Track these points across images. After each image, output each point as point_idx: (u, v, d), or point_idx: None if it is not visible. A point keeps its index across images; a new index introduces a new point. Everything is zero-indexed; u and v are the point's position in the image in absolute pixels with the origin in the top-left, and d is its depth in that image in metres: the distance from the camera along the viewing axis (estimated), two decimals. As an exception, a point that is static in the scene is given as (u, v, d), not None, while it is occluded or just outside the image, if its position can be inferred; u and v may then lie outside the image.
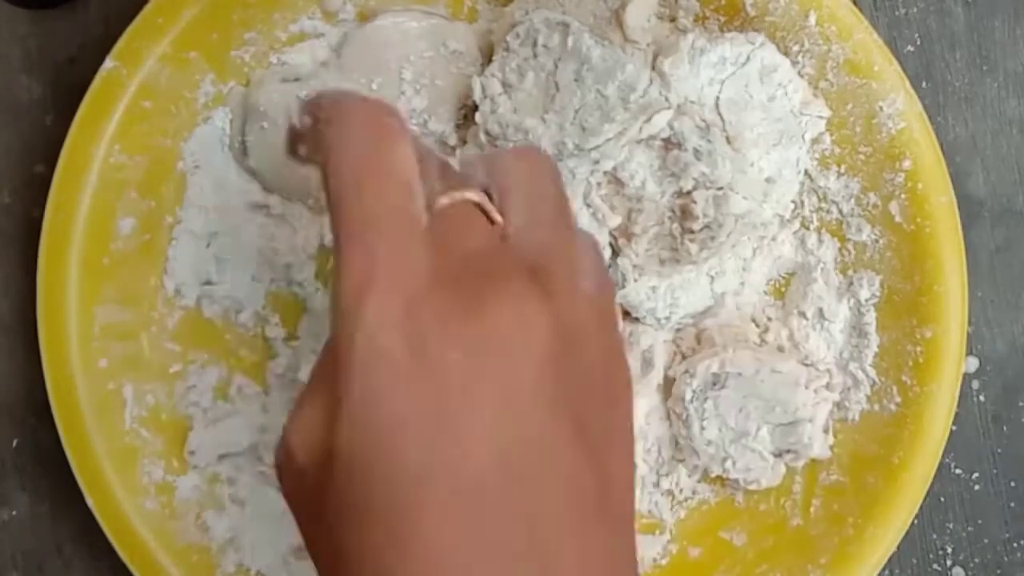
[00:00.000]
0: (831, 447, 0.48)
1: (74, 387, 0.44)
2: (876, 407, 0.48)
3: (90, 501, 0.44)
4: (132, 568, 0.44)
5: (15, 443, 0.48)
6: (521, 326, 0.29)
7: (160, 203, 0.46)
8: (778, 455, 0.48)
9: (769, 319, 0.49)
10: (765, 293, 0.49)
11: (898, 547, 0.47)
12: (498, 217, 0.31)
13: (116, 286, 0.45)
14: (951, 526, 0.51)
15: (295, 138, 0.33)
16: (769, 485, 0.48)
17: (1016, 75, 0.51)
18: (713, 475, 0.48)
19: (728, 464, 0.47)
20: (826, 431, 0.48)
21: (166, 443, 0.46)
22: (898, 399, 0.47)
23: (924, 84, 0.51)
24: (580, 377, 0.30)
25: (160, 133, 0.46)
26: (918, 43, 0.51)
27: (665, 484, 0.49)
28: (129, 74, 0.45)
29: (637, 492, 0.49)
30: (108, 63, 0.45)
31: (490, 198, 0.32)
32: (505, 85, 0.45)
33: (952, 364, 0.47)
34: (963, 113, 0.51)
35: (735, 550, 0.48)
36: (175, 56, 0.45)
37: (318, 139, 0.31)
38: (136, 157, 0.45)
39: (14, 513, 0.48)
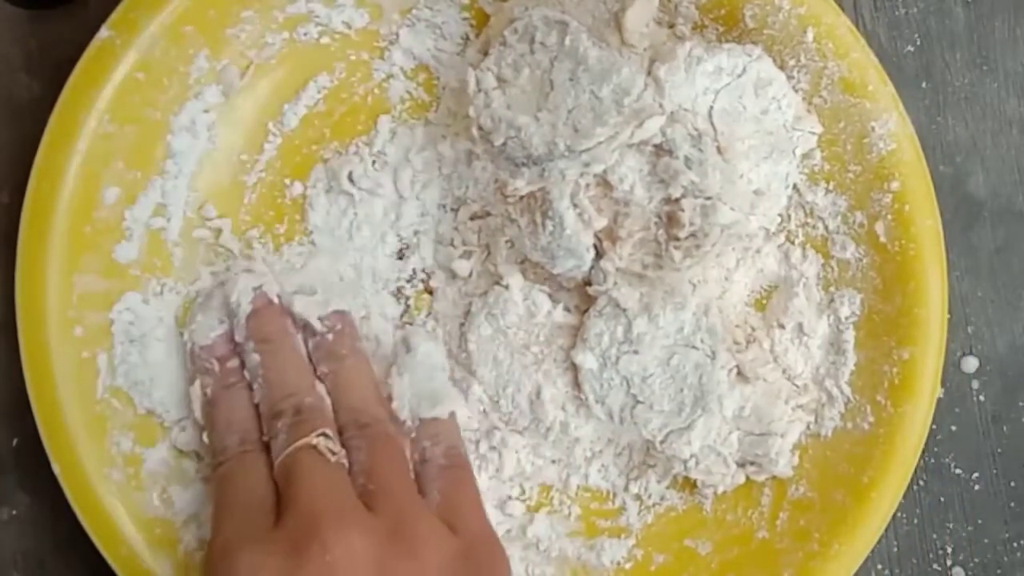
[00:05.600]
0: (794, 467, 0.48)
1: (48, 353, 0.44)
2: (849, 425, 0.48)
3: (56, 468, 0.44)
4: (95, 537, 0.44)
5: (15, 443, 0.48)
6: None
7: (146, 175, 0.46)
8: (742, 465, 0.48)
9: (753, 328, 0.49)
10: (746, 304, 0.49)
11: (898, 547, 0.47)
12: (338, 460, 0.42)
13: (97, 256, 0.45)
14: (951, 526, 0.51)
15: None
16: (725, 489, 0.48)
17: (1016, 75, 0.51)
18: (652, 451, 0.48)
19: (669, 446, 0.47)
20: (794, 451, 0.48)
21: (137, 415, 0.46)
22: (871, 418, 0.47)
23: (924, 84, 0.51)
24: None
25: (151, 105, 0.46)
26: (918, 43, 0.51)
27: (634, 488, 0.49)
28: (123, 44, 0.45)
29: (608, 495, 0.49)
30: (103, 32, 0.45)
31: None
32: (500, 80, 0.45)
33: (927, 387, 0.47)
34: (963, 113, 0.51)
35: (699, 559, 0.48)
36: (171, 29, 0.45)
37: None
38: (126, 127, 0.45)
39: (14, 513, 0.48)
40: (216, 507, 0.42)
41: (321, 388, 0.45)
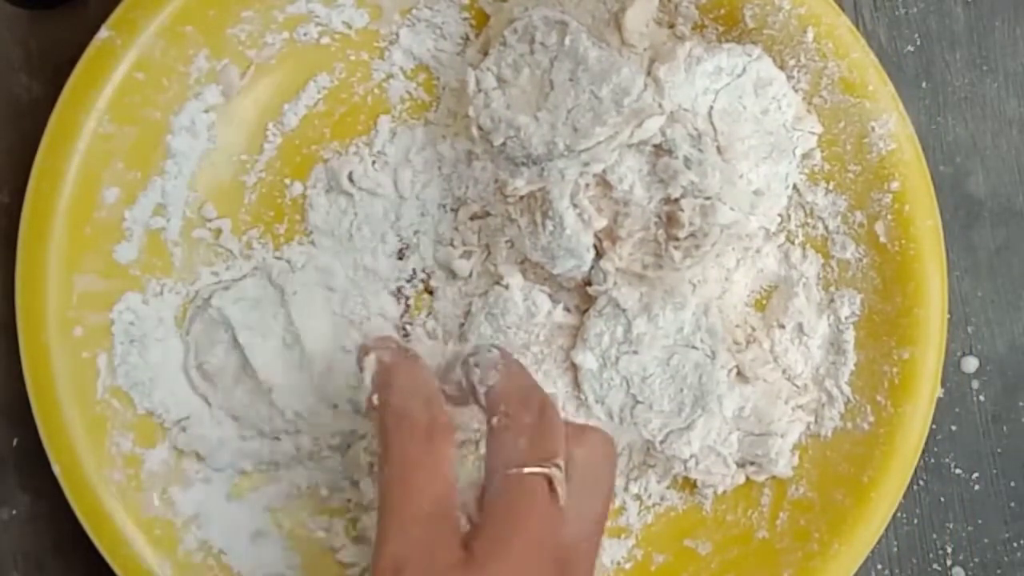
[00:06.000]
0: (794, 467, 0.48)
1: (48, 353, 0.44)
2: (849, 425, 0.48)
3: (56, 468, 0.44)
4: (95, 537, 0.44)
5: (15, 442, 0.48)
6: None
7: (146, 175, 0.46)
8: (741, 465, 0.48)
9: (753, 328, 0.49)
10: (746, 304, 0.49)
11: (898, 547, 0.47)
12: (562, 500, 0.36)
13: (97, 256, 0.45)
14: (951, 526, 0.51)
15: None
16: (725, 489, 0.48)
17: (1016, 75, 0.51)
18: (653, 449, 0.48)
19: (668, 446, 0.47)
20: (794, 451, 0.48)
21: (136, 416, 0.46)
22: (871, 418, 0.47)
23: (924, 84, 0.51)
24: None
25: (151, 105, 0.46)
26: (918, 43, 0.51)
27: (634, 488, 0.49)
28: (124, 44, 0.45)
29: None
30: (103, 32, 0.45)
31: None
32: (500, 80, 0.45)
33: (927, 387, 0.47)
34: (963, 113, 0.51)
35: (699, 559, 0.48)
36: (171, 29, 0.45)
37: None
38: (125, 128, 0.45)
39: (14, 513, 0.48)
40: (394, 502, 0.36)
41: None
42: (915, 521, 0.49)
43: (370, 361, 0.40)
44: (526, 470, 0.36)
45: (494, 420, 0.38)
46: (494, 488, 0.36)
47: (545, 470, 0.36)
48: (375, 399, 0.39)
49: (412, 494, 0.36)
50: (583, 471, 0.37)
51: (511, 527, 0.35)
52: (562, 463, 0.37)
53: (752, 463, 0.48)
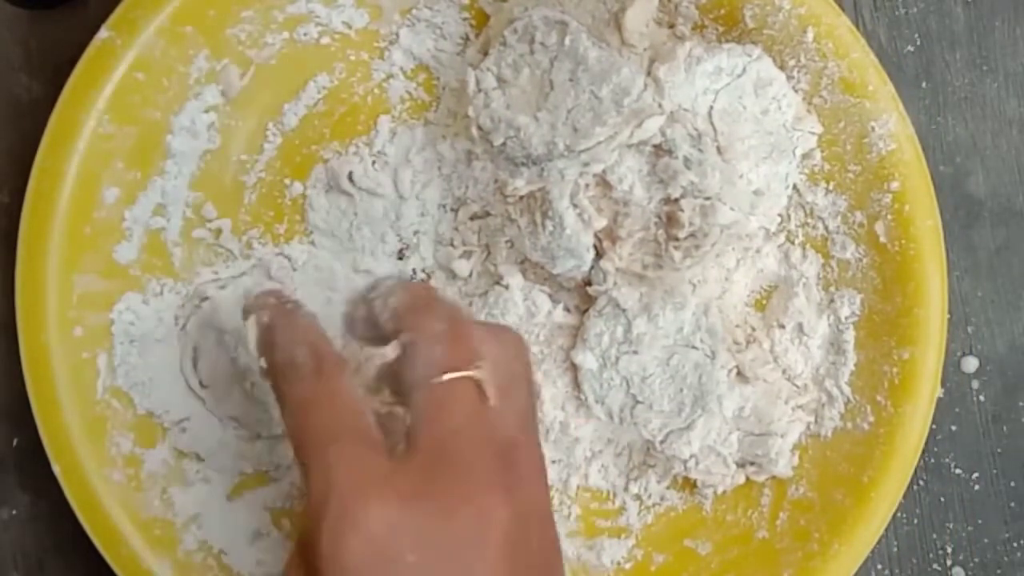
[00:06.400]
0: (794, 467, 0.48)
1: (48, 353, 0.44)
2: (849, 425, 0.48)
3: (56, 468, 0.44)
4: (95, 537, 0.44)
5: (15, 442, 0.48)
6: (481, 522, 0.33)
7: (146, 175, 0.46)
8: (741, 465, 0.48)
9: (753, 328, 0.49)
10: (746, 304, 0.49)
11: (898, 547, 0.47)
12: (492, 400, 0.35)
13: (97, 256, 0.45)
14: (951, 526, 0.51)
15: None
16: (725, 489, 0.48)
17: (1016, 75, 0.51)
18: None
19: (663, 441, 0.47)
20: (794, 451, 0.48)
21: (136, 416, 0.46)
22: (872, 418, 0.47)
23: (924, 84, 0.51)
24: (528, 561, 0.34)
25: (151, 105, 0.46)
26: (918, 43, 0.51)
27: (634, 488, 0.49)
28: (124, 44, 0.45)
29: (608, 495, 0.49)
30: (103, 32, 0.45)
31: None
32: (500, 80, 0.45)
33: (927, 387, 0.47)
34: (963, 113, 0.51)
35: (699, 559, 0.48)
36: (171, 29, 0.45)
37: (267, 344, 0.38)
38: (125, 128, 0.45)
39: (14, 513, 0.48)
40: (305, 443, 0.35)
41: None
42: (915, 521, 0.49)
43: (250, 325, 0.40)
44: (446, 377, 0.35)
45: (404, 337, 0.36)
46: (420, 400, 0.35)
47: (469, 373, 0.35)
48: (263, 363, 0.38)
49: (316, 430, 0.35)
50: (503, 368, 0.36)
51: (448, 431, 0.34)
52: (484, 364, 0.35)
53: (752, 463, 0.48)
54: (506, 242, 0.48)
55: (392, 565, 0.32)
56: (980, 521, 0.51)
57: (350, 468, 0.33)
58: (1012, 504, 0.51)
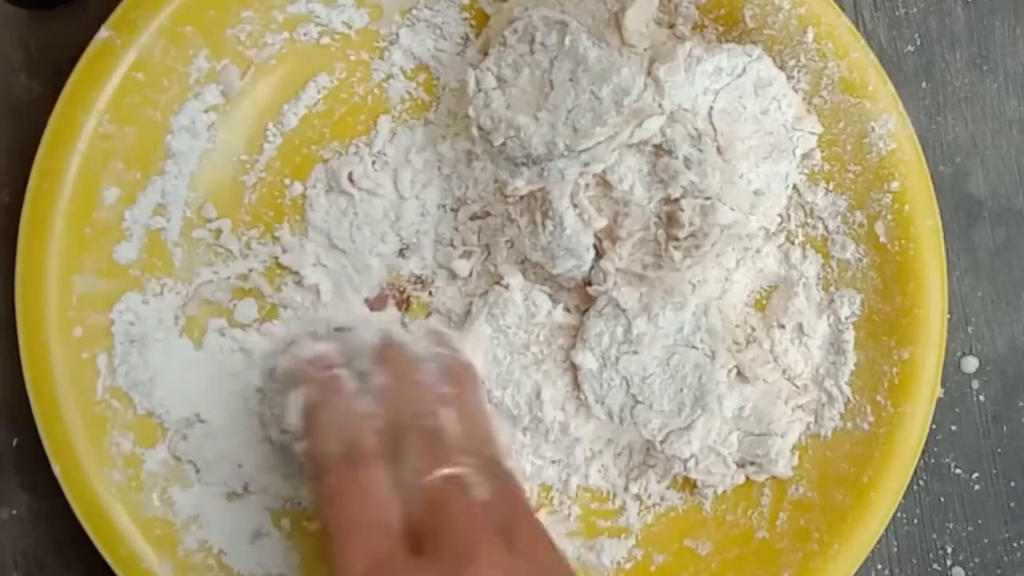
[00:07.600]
0: (794, 467, 0.48)
1: (48, 353, 0.44)
2: (849, 425, 0.48)
3: (56, 468, 0.44)
4: (95, 537, 0.44)
5: (15, 442, 0.48)
6: None
7: (146, 175, 0.46)
8: (741, 465, 0.48)
9: (753, 328, 0.49)
10: (746, 304, 0.49)
11: (898, 547, 0.47)
12: (480, 494, 0.39)
13: (97, 256, 0.45)
14: (951, 526, 0.51)
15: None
16: (725, 489, 0.48)
17: (1016, 75, 0.51)
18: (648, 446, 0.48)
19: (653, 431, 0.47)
20: (793, 451, 0.48)
21: (136, 416, 0.46)
22: (871, 418, 0.47)
23: (924, 84, 0.51)
24: None
25: (151, 105, 0.46)
26: (918, 43, 0.51)
27: (634, 488, 0.49)
28: (124, 44, 0.45)
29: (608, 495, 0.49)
30: (103, 32, 0.45)
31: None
32: (500, 80, 0.45)
33: (927, 387, 0.47)
34: (963, 113, 0.51)
35: (699, 559, 0.48)
36: (171, 30, 0.45)
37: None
38: (125, 128, 0.45)
39: (14, 512, 0.48)
40: (333, 529, 0.39)
41: (444, 414, 0.43)
42: (915, 521, 0.49)
43: (296, 398, 0.43)
44: (428, 478, 0.39)
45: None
46: (414, 501, 0.39)
47: (454, 471, 0.39)
48: (300, 443, 0.42)
49: (342, 518, 0.39)
50: (463, 411, 0.42)
51: (447, 534, 0.38)
52: (466, 460, 0.40)
53: (752, 463, 0.48)
54: (506, 242, 0.48)
55: None
56: (980, 521, 0.51)
57: (365, 561, 0.37)
58: (1012, 504, 0.51)
